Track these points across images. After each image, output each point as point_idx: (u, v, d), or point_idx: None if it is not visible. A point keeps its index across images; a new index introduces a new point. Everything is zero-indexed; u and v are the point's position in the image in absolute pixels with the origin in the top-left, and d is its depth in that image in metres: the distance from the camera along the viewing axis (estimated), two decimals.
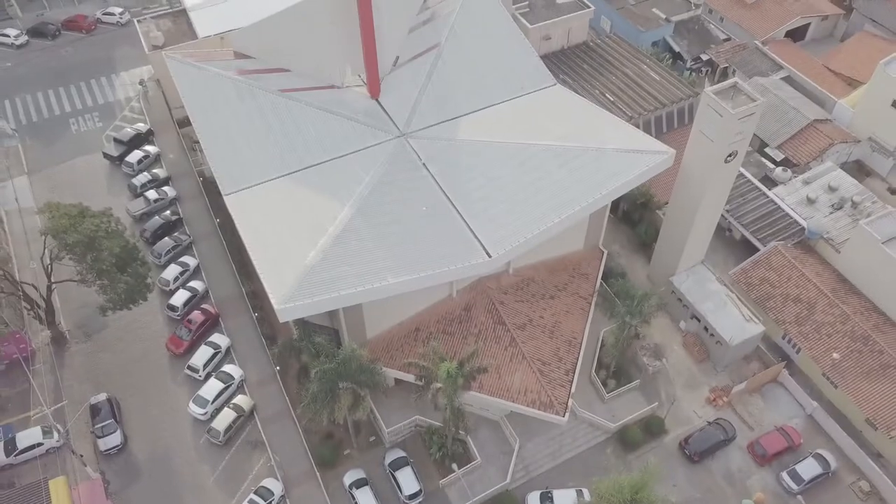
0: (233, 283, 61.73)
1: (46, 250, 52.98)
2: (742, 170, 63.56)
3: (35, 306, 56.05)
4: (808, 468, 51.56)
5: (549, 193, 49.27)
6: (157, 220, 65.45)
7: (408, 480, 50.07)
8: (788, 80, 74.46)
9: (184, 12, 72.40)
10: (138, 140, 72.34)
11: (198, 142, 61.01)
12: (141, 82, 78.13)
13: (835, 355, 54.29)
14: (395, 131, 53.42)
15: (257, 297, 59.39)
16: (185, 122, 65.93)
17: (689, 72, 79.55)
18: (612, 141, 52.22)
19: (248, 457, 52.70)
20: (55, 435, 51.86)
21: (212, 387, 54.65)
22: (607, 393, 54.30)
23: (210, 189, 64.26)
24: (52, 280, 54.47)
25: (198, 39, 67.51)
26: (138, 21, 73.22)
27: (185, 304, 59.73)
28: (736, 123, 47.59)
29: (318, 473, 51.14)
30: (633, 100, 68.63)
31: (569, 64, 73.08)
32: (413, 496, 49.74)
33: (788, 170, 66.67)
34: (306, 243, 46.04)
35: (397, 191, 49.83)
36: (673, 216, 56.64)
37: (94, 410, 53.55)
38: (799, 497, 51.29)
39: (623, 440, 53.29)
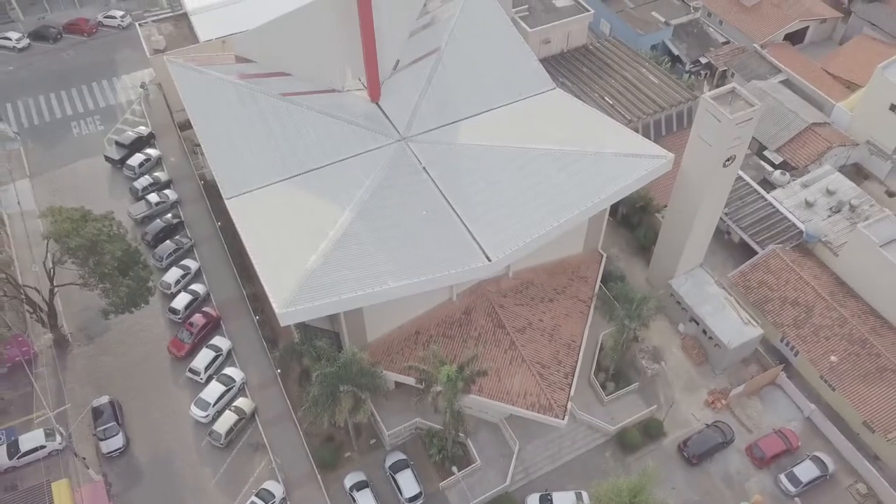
0: (234, 286, 61.90)
1: (49, 254, 53.11)
2: (741, 173, 63.75)
3: (37, 309, 56.28)
4: (806, 471, 51.82)
5: (548, 197, 49.51)
6: (158, 224, 65.56)
7: (408, 483, 50.29)
8: (787, 83, 74.60)
9: (185, 16, 72.44)
10: (140, 143, 72.49)
11: (199, 145, 61.15)
12: (142, 85, 78.21)
13: (832, 358, 54.52)
14: (395, 135, 53.63)
15: (258, 300, 59.53)
16: (186, 126, 66.06)
17: (688, 75, 79.72)
18: (612, 145, 52.45)
19: (249, 459, 52.93)
20: (58, 438, 52.05)
21: (213, 389, 54.86)
22: (606, 396, 54.50)
23: (211, 192, 64.42)
24: (55, 283, 54.71)
25: (199, 43, 67.73)
26: (139, 24, 73.20)
27: (187, 307, 59.90)
28: (734, 128, 47.85)
29: (318, 476, 51.34)
30: (632, 103, 68.85)
31: (568, 67, 73.30)
32: (413, 498, 49.94)
33: (787, 173, 66.77)
34: (307, 247, 46.28)
35: (398, 195, 50.07)
36: (672, 220, 56.85)
37: (97, 413, 53.77)
38: (797, 499, 51.47)
39: (622, 443, 53.49)
